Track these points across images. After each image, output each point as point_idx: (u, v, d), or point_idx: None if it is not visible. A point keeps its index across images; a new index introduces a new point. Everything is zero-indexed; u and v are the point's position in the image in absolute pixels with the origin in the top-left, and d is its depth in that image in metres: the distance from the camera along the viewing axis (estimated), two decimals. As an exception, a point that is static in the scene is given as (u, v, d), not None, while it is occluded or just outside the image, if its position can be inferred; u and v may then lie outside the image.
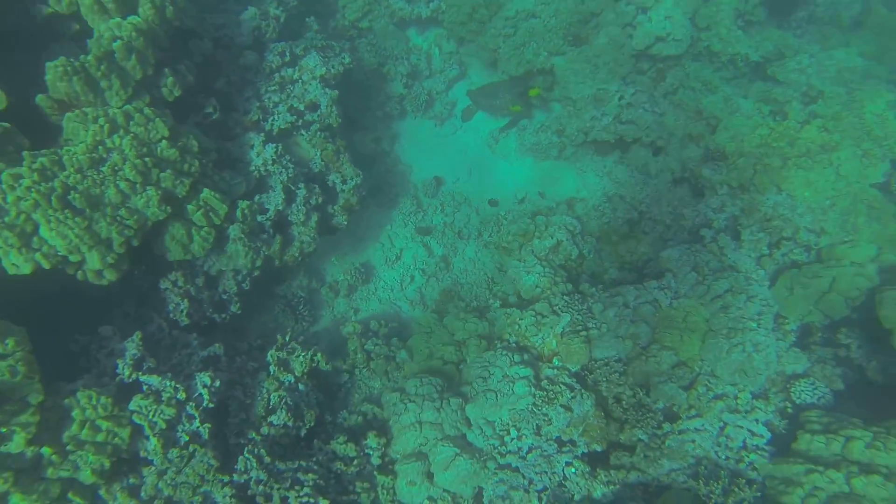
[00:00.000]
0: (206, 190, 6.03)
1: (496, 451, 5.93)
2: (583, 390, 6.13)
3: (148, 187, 5.42)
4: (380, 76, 9.88)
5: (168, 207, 5.52)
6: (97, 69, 5.08)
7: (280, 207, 6.89)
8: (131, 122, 5.39)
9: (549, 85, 9.59)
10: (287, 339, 6.69)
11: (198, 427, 5.41)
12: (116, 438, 4.66)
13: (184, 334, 5.96)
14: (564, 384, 6.17)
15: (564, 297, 6.81)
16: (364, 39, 9.95)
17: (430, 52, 10.34)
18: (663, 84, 9.14)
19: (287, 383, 6.33)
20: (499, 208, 9.28)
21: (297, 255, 7.07)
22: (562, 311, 6.65)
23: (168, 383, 5.32)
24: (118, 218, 5.16)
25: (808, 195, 7.50)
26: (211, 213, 6.06)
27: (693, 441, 5.83)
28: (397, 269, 8.62)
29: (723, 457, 5.75)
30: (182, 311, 5.99)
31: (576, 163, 9.50)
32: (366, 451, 6.15)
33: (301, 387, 6.32)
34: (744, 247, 7.53)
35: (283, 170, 7.00)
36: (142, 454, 4.94)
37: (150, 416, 4.97)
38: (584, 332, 6.46)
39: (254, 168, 6.97)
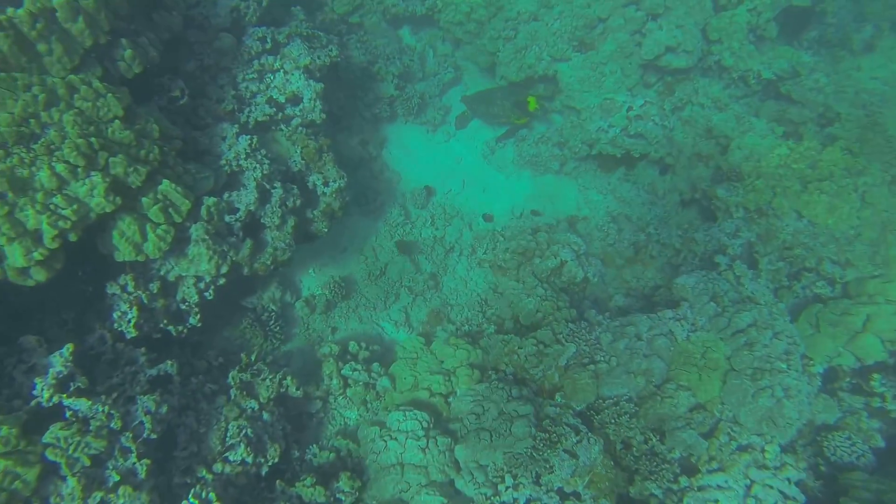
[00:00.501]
0: (165, 182, 5.15)
1: (488, 501, 5.10)
2: (590, 434, 5.35)
3: (93, 173, 4.54)
4: (369, 76, 9.15)
5: (118, 198, 4.63)
6: (31, 27, 4.22)
7: (252, 208, 6.03)
8: (76, 96, 4.52)
9: (551, 94, 8.98)
10: (253, 358, 5.81)
11: (134, 463, 4.48)
12: (17, 482, 3.70)
13: (130, 348, 5.04)
14: (569, 425, 5.38)
15: (570, 324, 6.06)
16: (354, 36, 9.23)
17: (424, 53, 9.66)
18: (672, 98, 8.59)
19: (249, 410, 5.43)
20: (494, 224, 8.55)
21: (269, 262, 6.19)
22: (566, 341, 5.89)
23: (100, 408, 4.39)
24: (51, 206, 4.26)
25: (832, 223, 6.92)
26: (171, 209, 5.18)
27: (716, 501, 5.07)
28: (381, 286, 7.79)
29: (753, 522, 5.02)
30: (129, 321, 5.07)
31: (577, 178, 8.84)
32: (337, 495, 5.26)
33: (266, 415, 5.42)
34: (762, 276, 6.91)
35: (258, 165, 6.16)
36: (53, 501, 3.97)
37: (71, 451, 4.02)
38: (591, 366, 5.71)
39: (224, 162, 6.12)
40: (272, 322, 6.82)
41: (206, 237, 5.51)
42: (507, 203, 8.87)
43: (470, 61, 9.59)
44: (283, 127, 7.04)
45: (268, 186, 6.27)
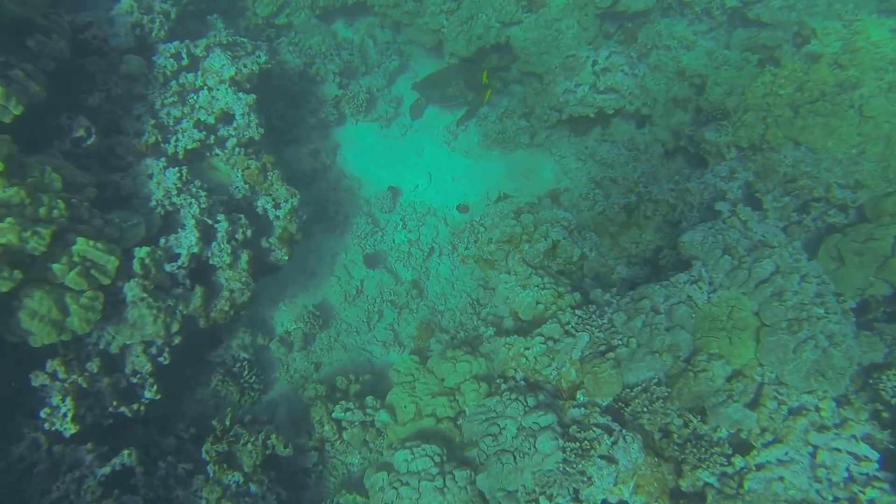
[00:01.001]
0: (81, 240, 4.34)
1: (526, 530, 4.43)
2: (624, 431, 4.68)
3: (-22, 249, 3.73)
4: (308, 79, 8.34)
5: (16, 272, 3.82)
6: None
7: (195, 250, 5.24)
8: (-60, 159, 3.69)
9: (507, 63, 8.26)
10: (227, 423, 5.03)
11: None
12: None
13: (72, 448, 4.23)
14: (599, 426, 4.71)
15: (576, 311, 5.38)
16: (284, 38, 8.40)
17: (364, 44, 8.86)
18: (636, 46, 7.92)
19: (233, 486, 4.66)
20: (471, 214, 7.83)
21: (227, 308, 5.41)
22: (577, 331, 5.21)
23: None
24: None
25: (832, 145, 6.31)
26: (94, 271, 4.37)
27: (781, 479, 4.44)
28: (361, 306, 7.04)
29: (830, 498, 4.37)
30: (65, 416, 4.26)
31: (551, 148, 8.15)
32: (352, 561, 4.55)
33: (253, 487, 4.66)
34: (769, 216, 6.30)
35: (194, 200, 5.36)
36: None
37: None
38: (610, 354, 5.04)
39: (155, 203, 5.32)
40: (246, 372, 6.04)
41: (145, 295, 4.71)
42: (481, 188, 8.15)
43: (414, 44, 8.81)
44: (218, 151, 6.23)
45: (210, 222, 5.47)
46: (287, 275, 6.98)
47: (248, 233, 5.77)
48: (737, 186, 6.62)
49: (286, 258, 6.15)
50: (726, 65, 7.48)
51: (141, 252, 4.81)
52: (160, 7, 6.20)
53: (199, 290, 5.17)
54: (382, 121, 8.46)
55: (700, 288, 5.29)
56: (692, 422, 4.85)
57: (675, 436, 4.85)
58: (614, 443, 4.59)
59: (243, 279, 5.55)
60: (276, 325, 6.82)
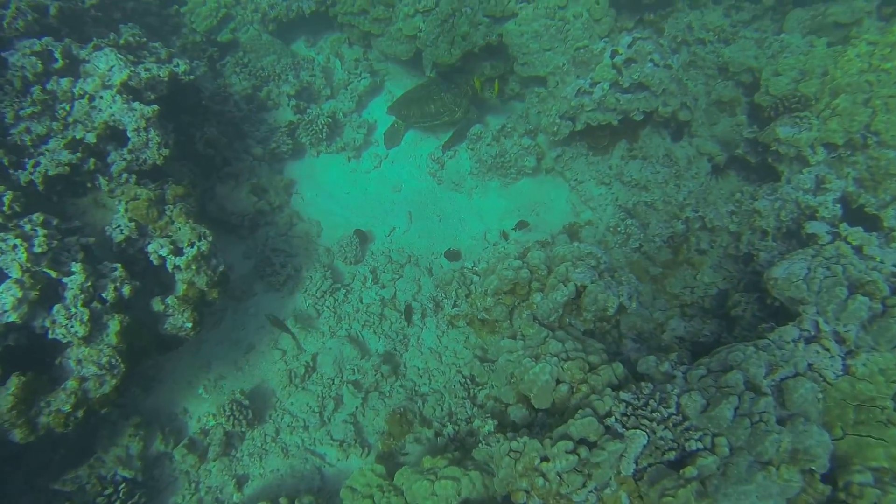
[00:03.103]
0: None
1: None
2: None
3: None
4: (257, 104, 6.74)
5: None
6: None
7: (13, 317, 3.36)
8: None
9: (503, 71, 6.57)
10: None
11: None
12: None
13: None
14: None
15: (621, 394, 3.34)
16: (230, 58, 6.87)
17: (329, 64, 7.30)
18: (661, 40, 6.23)
19: None
20: (462, 261, 5.94)
21: (69, 408, 3.46)
22: (626, 427, 3.15)
23: None
24: None
25: (969, 136, 4.40)
26: None
27: None
28: (312, 390, 5.04)
29: None
30: None
31: (564, 172, 6.31)
32: None
33: None
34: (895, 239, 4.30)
35: (21, 243, 3.53)
36: None
37: None
38: (689, 470, 2.94)
39: (-31, 251, 3.51)
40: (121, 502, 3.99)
41: None
42: (476, 229, 6.29)
43: (389, 60, 7.24)
44: (101, 177, 4.49)
45: (52, 274, 3.62)
46: (213, 349, 5.08)
47: (126, 290, 3.91)
48: (832, 200, 4.67)
49: (190, 325, 4.24)
50: (786, 51, 5.72)
51: None
52: (29, -3, 4.65)
53: (14, 380, 3.25)
54: (350, 151, 6.74)
55: (826, 350, 3.23)
56: None
57: None
58: None
59: (106, 360, 3.63)
60: (189, 421, 4.82)
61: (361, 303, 5.70)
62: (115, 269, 3.93)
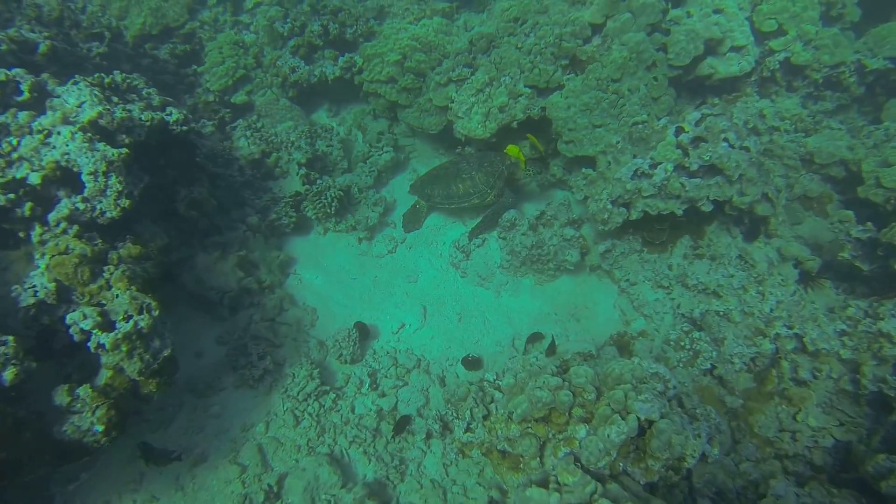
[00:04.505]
0: None
1: None
2: None
3: None
4: (264, 171, 6.00)
5: None
6: None
7: None
8: None
9: (542, 152, 5.74)
10: None
11: None
12: None
13: None
14: None
15: None
16: (241, 121, 6.25)
17: (350, 136, 6.62)
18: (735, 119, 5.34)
19: None
20: (483, 371, 4.75)
21: None
22: None
23: None
24: None
25: None
26: None
27: None
28: (268, 531, 3.74)
29: None
30: None
31: (613, 271, 5.22)
32: None
33: None
34: None
35: None
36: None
37: None
38: None
39: None
40: None
41: None
42: (503, 333, 5.14)
43: (417, 135, 6.54)
44: (37, 227, 3.60)
45: None
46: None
47: (9, 373, 2.85)
48: None
49: (101, 429, 3.10)
50: (893, 140, 4.75)
51: None
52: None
53: None
54: (362, 230, 5.83)
55: None
56: None
57: None
58: None
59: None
60: (94, 566, 3.53)
61: (353, 412, 4.50)
62: (5, 343, 2.89)
